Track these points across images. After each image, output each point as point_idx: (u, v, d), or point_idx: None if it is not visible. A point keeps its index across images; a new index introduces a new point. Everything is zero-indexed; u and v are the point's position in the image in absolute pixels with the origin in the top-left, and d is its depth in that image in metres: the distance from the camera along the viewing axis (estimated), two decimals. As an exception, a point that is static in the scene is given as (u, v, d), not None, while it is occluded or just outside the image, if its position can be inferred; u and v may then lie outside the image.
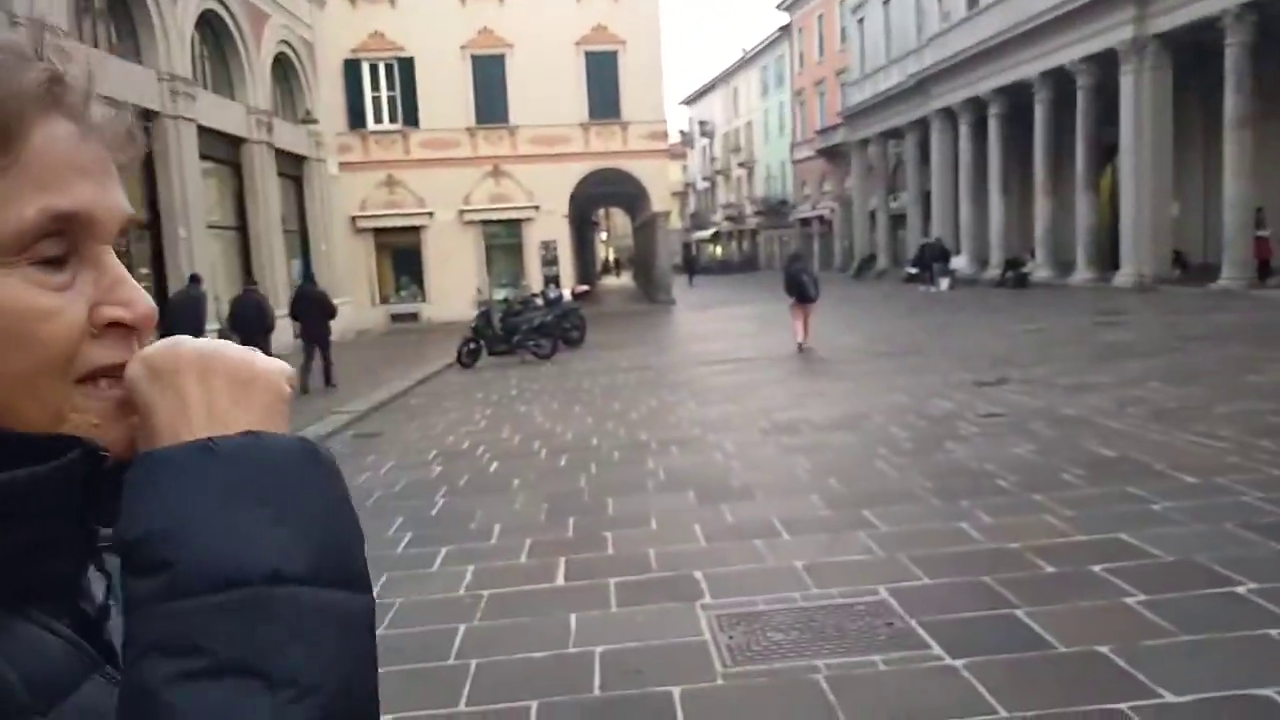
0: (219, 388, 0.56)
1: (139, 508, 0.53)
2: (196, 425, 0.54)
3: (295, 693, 0.50)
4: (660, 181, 29.98)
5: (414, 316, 27.33)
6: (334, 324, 14.08)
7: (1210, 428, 7.07)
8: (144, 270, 15.27)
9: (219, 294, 17.39)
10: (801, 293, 14.20)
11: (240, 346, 0.59)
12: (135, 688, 0.50)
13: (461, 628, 4.09)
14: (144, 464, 0.53)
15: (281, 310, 15.24)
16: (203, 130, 16.46)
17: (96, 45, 14.03)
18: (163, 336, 0.62)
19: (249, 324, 12.66)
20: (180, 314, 12.21)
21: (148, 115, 14.98)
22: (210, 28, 17.86)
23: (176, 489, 0.52)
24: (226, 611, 0.50)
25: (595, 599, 4.36)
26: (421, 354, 17.43)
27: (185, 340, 0.58)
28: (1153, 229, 22.04)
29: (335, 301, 15.41)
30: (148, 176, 15.33)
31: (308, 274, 22.15)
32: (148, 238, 15.33)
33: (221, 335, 15.70)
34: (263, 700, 0.49)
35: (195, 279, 13.46)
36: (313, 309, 13.69)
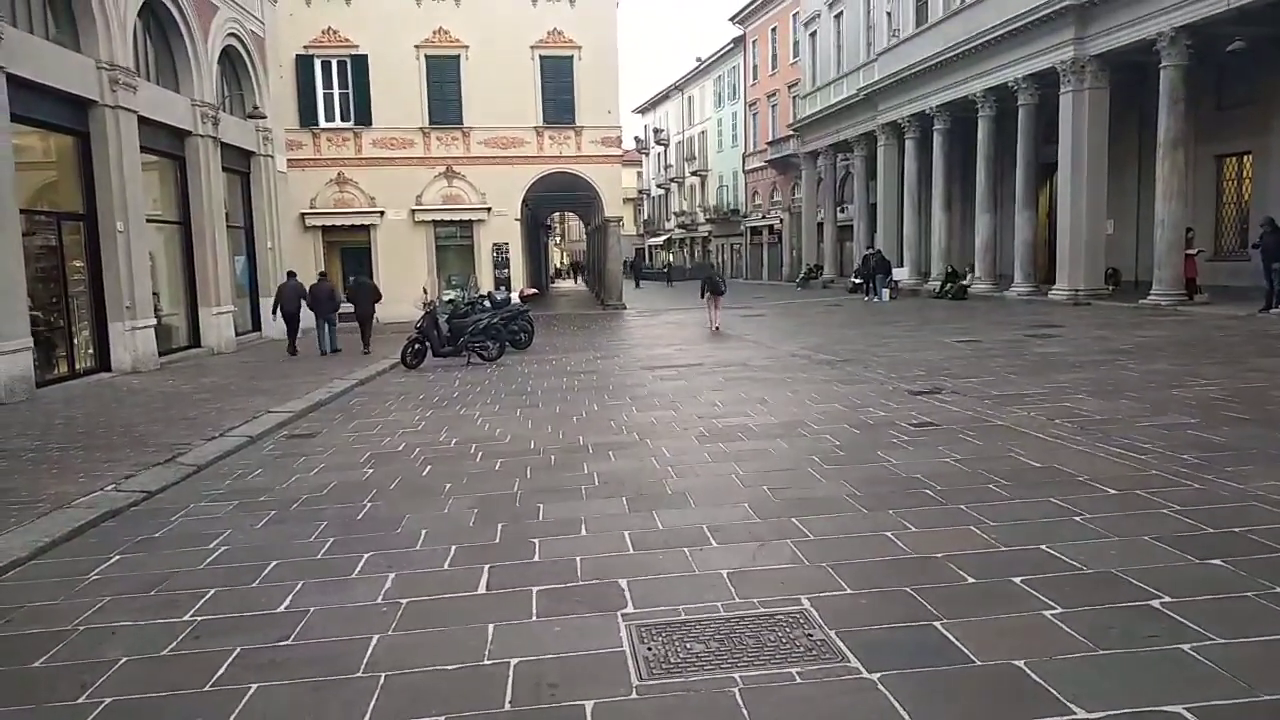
0: None
1: None
2: None
3: None
4: (613, 187, 30.00)
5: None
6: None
7: (1134, 440, 7.20)
8: (78, 263, 14.86)
9: (157, 289, 17.21)
10: (714, 288, 20.82)
11: None
12: None
13: (375, 638, 3.97)
14: None
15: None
16: (145, 122, 16.07)
17: (32, 30, 13.64)
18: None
19: (321, 304, 17.43)
20: (286, 297, 17.69)
21: (85, 104, 14.62)
22: (154, 17, 17.48)
23: None
24: None
25: (516, 608, 4.27)
26: (368, 354, 17.17)
27: None
28: (1088, 245, 22.58)
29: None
30: (84, 168, 14.93)
31: (252, 271, 21.86)
32: (83, 229, 14.93)
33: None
34: None
35: (292, 274, 18.62)
36: (364, 294, 18.29)
